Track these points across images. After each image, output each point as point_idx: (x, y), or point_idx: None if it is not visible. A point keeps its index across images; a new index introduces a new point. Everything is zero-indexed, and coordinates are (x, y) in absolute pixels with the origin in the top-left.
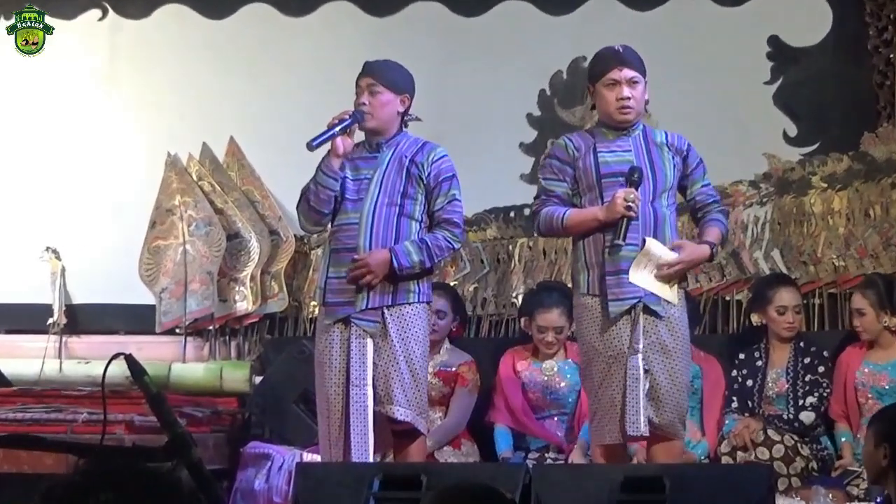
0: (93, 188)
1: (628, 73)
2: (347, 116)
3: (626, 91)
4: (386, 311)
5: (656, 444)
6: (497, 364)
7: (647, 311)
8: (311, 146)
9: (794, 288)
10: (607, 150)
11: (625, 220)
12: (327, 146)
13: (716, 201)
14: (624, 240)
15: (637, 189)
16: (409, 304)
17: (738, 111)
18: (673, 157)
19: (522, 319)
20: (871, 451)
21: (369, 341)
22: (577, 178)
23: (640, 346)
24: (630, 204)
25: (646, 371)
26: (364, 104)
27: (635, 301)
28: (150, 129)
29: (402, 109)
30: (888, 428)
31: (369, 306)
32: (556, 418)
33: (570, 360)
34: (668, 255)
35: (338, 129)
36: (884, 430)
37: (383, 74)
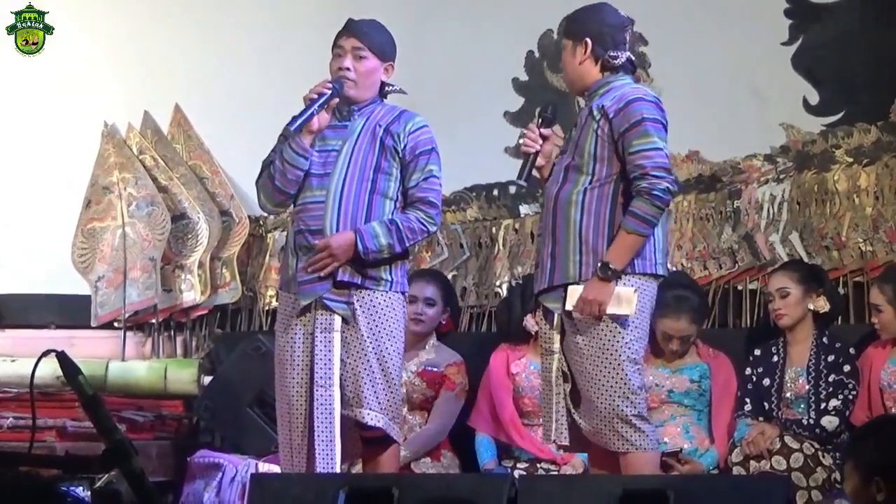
0: (17, 162)
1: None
2: (327, 90)
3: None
4: (355, 295)
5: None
6: (478, 363)
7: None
8: (291, 132)
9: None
10: (575, 124)
11: (528, 157)
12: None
13: (638, 176)
14: (523, 178)
15: (547, 126)
16: (381, 291)
17: (752, 76)
18: (598, 123)
19: (535, 313)
20: (860, 487)
21: (336, 335)
22: None
23: (556, 346)
24: (523, 139)
25: (565, 374)
26: (348, 69)
27: (539, 291)
28: (83, 95)
29: (385, 79)
30: (876, 459)
31: (338, 279)
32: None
33: None
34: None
35: (317, 105)
36: (871, 461)
37: (371, 37)
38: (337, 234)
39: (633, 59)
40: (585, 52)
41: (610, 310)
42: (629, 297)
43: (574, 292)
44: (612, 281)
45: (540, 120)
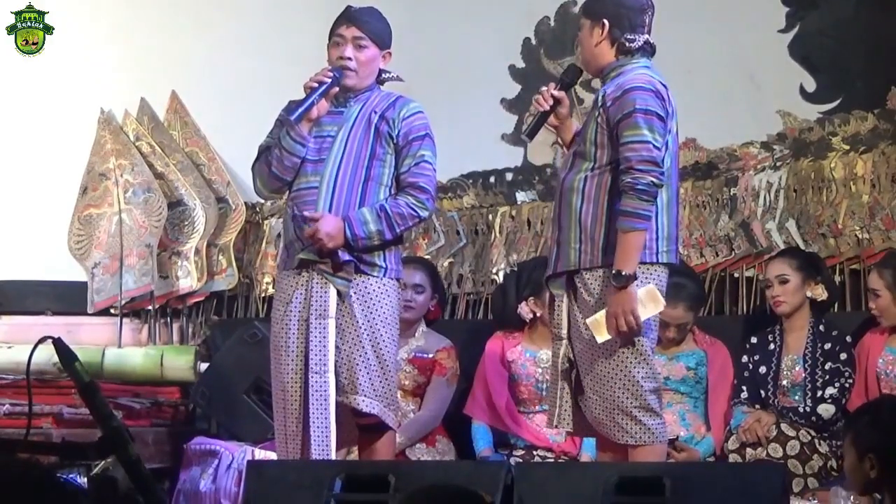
0: (13, 148)
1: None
2: (327, 78)
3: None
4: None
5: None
6: (474, 350)
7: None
8: (293, 123)
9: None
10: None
11: (537, 115)
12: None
13: (623, 170)
14: (527, 136)
15: (563, 89)
16: (375, 278)
17: (748, 63)
18: (599, 110)
19: (528, 300)
20: (856, 463)
21: (331, 322)
22: None
23: (564, 332)
24: (538, 95)
25: (570, 361)
26: (350, 59)
27: (547, 277)
28: (80, 82)
29: (383, 66)
30: (870, 436)
31: (341, 259)
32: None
33: None
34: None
35: (317, 94)
36: (866, 439)
37: (371, 26)
38: (326, 220)
39: (652, 42)
40: (602, 33)
41: (642, 316)
42: (651, 295)
43: (596, 325)
44: (629, 286)
45: (559, 83)
